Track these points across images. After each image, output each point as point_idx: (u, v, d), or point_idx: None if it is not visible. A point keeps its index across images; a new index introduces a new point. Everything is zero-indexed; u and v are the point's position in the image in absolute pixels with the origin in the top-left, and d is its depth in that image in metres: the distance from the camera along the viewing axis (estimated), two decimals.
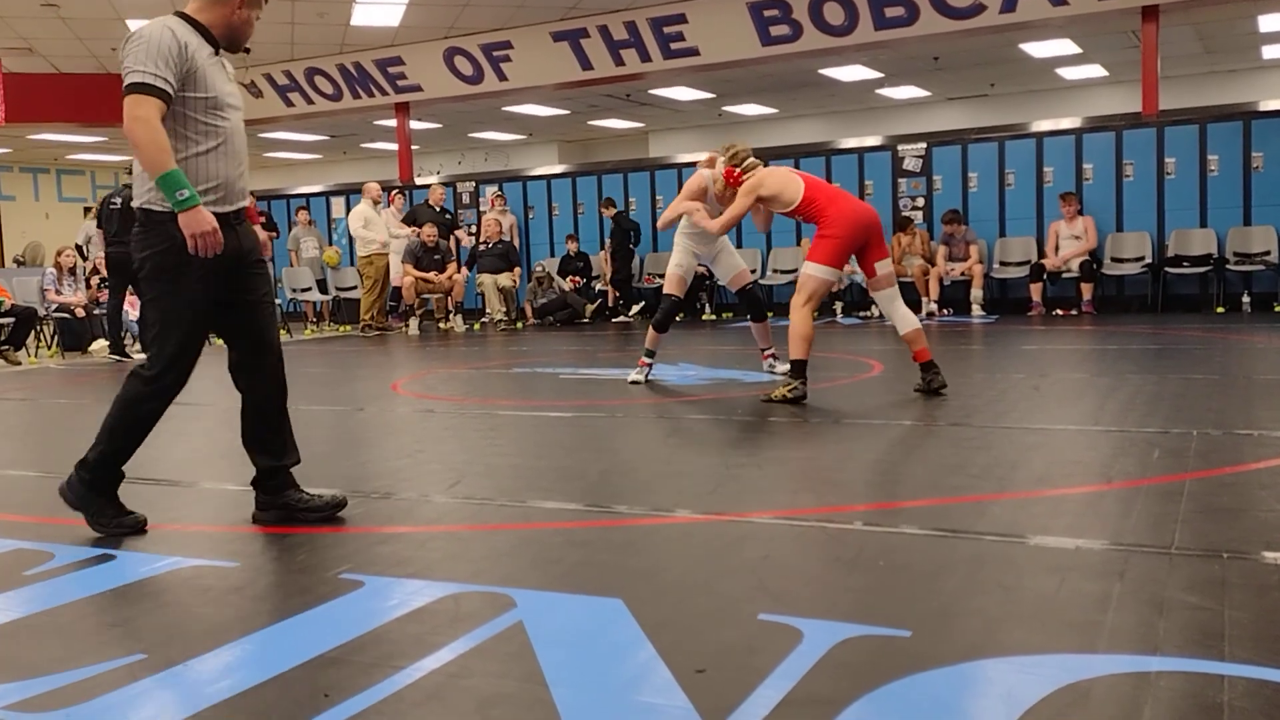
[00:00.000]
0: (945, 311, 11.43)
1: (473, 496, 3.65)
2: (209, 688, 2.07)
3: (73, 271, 11.05)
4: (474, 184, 14.72)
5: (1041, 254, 11.18)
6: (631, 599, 2.50)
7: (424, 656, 2.18)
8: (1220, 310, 10.40)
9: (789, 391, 5.39)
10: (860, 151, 12.78)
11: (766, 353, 6.79)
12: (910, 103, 18.05)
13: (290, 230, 14.79)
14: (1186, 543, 2.76)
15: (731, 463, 4.00)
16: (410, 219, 12.51)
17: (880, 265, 5.76)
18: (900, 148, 12.47)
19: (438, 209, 12.52)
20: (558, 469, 4.11)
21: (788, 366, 5.60)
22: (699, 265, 6.78)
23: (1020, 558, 2.72)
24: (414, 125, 16.37)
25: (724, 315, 12.76)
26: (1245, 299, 10.36)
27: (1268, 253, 10.43)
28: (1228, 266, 10.50)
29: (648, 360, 6.40)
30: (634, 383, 6.27)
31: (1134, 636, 2.16)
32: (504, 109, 17.46)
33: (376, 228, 12.12)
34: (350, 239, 13.05)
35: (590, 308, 12.60)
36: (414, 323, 12.11)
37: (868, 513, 3.24)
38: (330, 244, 14.19)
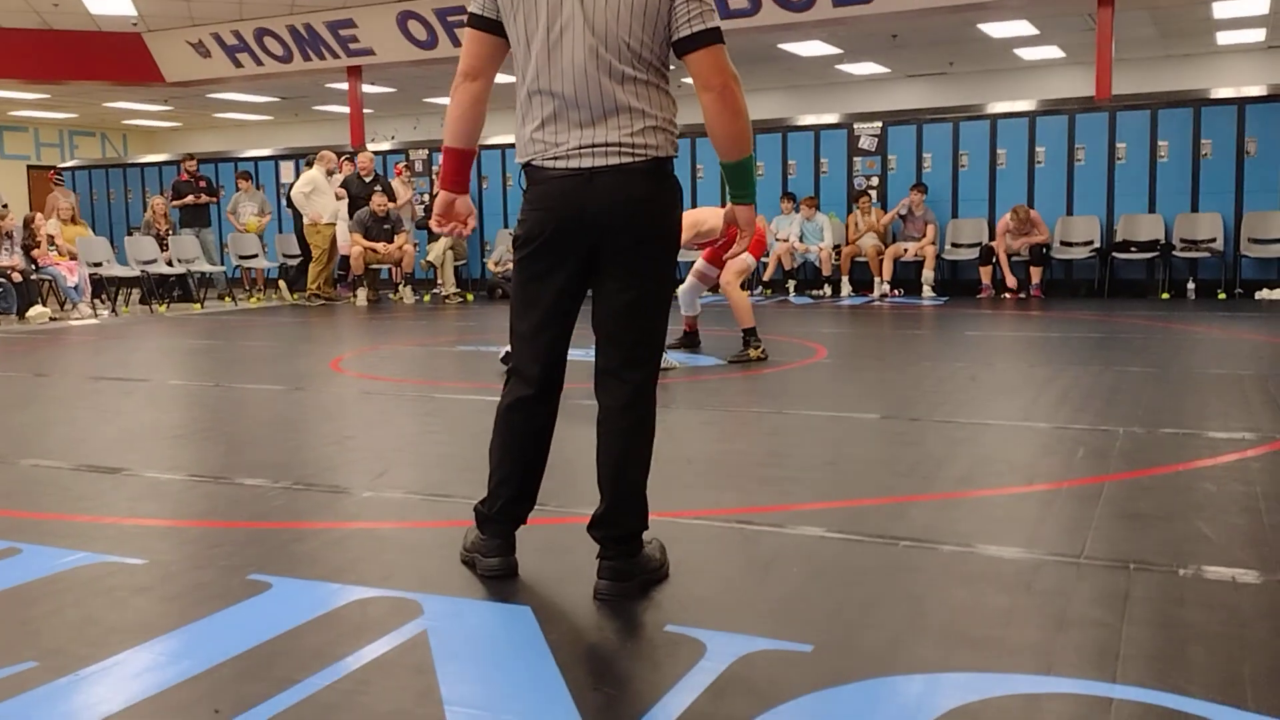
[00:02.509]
0: (897, 292, 11.48)
1: (397, 489, 3.61)
2: (96, 705, 2.03)
3: (9, 235, 10.78)
4: (427, 151, 14.53)
5: (993, 236, 11.23)
6: (540, 607, 2.48)
7: (323, 669, 2.15)
8: (1166, 296, 10.53)
9: (759, 353, 6.56)
10: (817, 129, 12.74)
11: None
12: (870, 79, 18.02)
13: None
14: (1097, 552, 2.79)
15: (661, 457, 3.97)
16: (353, 190, 12.30)
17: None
18: (856, 126, 12.45)
19: (368, 179, 12.33)
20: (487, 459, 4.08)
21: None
22: None
23: (933, 567, 2.73)
24: (366, 89, 16.10)
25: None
26: (1190, 285, 10.50)
27: (1213, 239, 10.57)
28: (1174, 253, 10.63)
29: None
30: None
31: (1031, 655, 2.17)
32: None
33: (324, 198, 11.90)
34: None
35: None
36: (362, 294, 11.97)
37: (788, 514, 3.24)
38: (266, 211, 13.83)
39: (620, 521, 2.57)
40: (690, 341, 7.13)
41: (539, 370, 2.61)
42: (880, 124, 12.35)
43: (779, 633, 2.30)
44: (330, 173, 12.05)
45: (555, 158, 2.51)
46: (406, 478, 3.81)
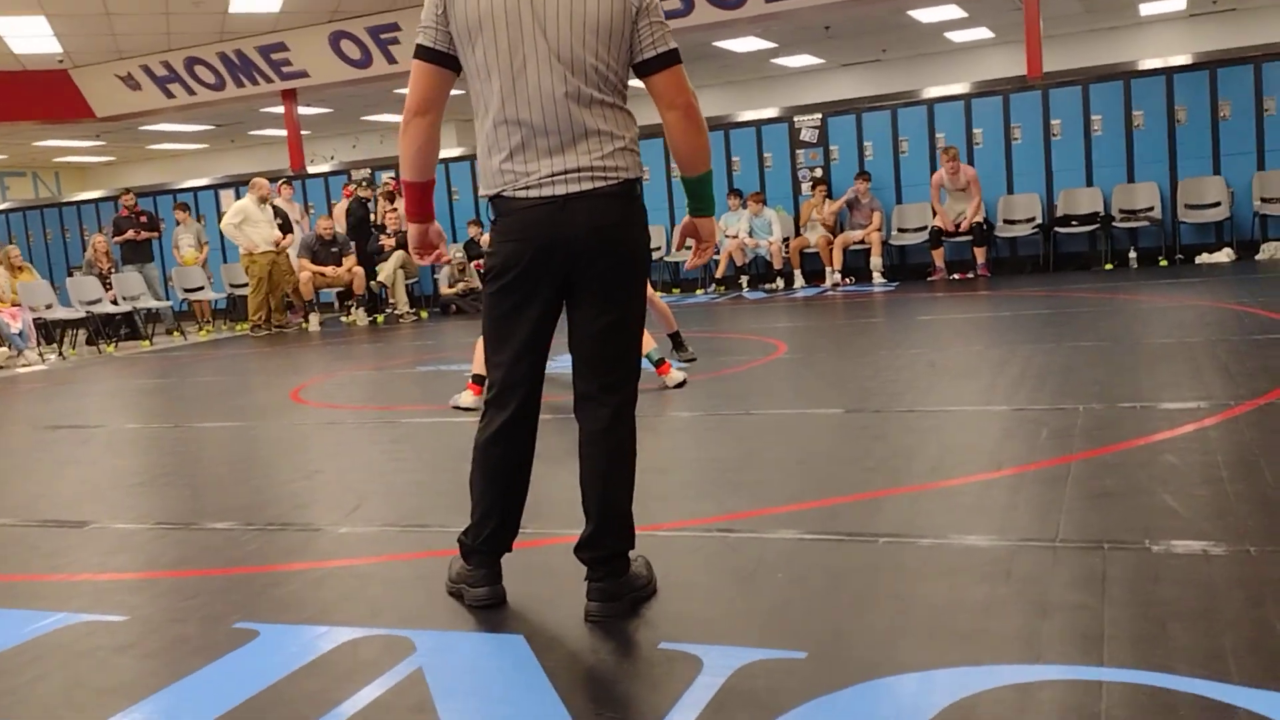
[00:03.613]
0: (848, 281, 11.59)
1: (372, 523, 3.59)
2: None
3: None
4: (369, 170, 14.42)
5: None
6: (533, 634, 2.49)
7: (321, 717, 2.14)
8: (1109, 267, 10.73)
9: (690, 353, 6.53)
10: (758, 124, 12.83)
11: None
12: (806, 70, 18.19)
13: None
14: (1070, 534, 2.85)
15: (637, 468, 4.00)
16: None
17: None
18: (796, 119, 12.56)
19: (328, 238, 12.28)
20: (460, 485, 4.05)
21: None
22: None
23: (913, 562, 2.78)
24: (303, 111, 15.95)
25: None
26: (1132, 254, 10.71)
27: (1151, 208, 10.79)
28: (1114, 224, 10.84)
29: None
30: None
31: (1018, 644, 2.22)
32: (396, 91, 17.09)
33: (257, 226, 11.70)
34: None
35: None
36: (314, 319, 11.85)
37: (766, 519, 3.27)
38: (204, 242, 13.66)
39: (607, 543, 2.59)
40: (679, 343, 6.79)
41: (517, 400, 2.61)
42: (820, 116, 12.46)
43: (772, 641, 2.33)
44: (264, 200, 11.88)
45: (526, 187, 2.50)
46: (381, 510, 3.79)
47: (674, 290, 12.43)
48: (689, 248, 2.84)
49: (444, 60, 2.54)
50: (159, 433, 6.05)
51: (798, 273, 11.83)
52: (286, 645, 2.54)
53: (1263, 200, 10.41)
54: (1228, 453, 3.55)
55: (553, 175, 2.49)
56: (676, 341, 6.57)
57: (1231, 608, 2.31)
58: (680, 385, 5.73)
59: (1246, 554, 2.59)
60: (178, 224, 13.47)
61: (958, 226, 10.99)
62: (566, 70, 2.45)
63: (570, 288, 2.57)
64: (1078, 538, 2.81)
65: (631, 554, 2.66)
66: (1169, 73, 10.96)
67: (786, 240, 12.01)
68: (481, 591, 2.67)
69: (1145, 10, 15.88)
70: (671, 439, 4.64)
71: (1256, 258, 10.16)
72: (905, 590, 2.60)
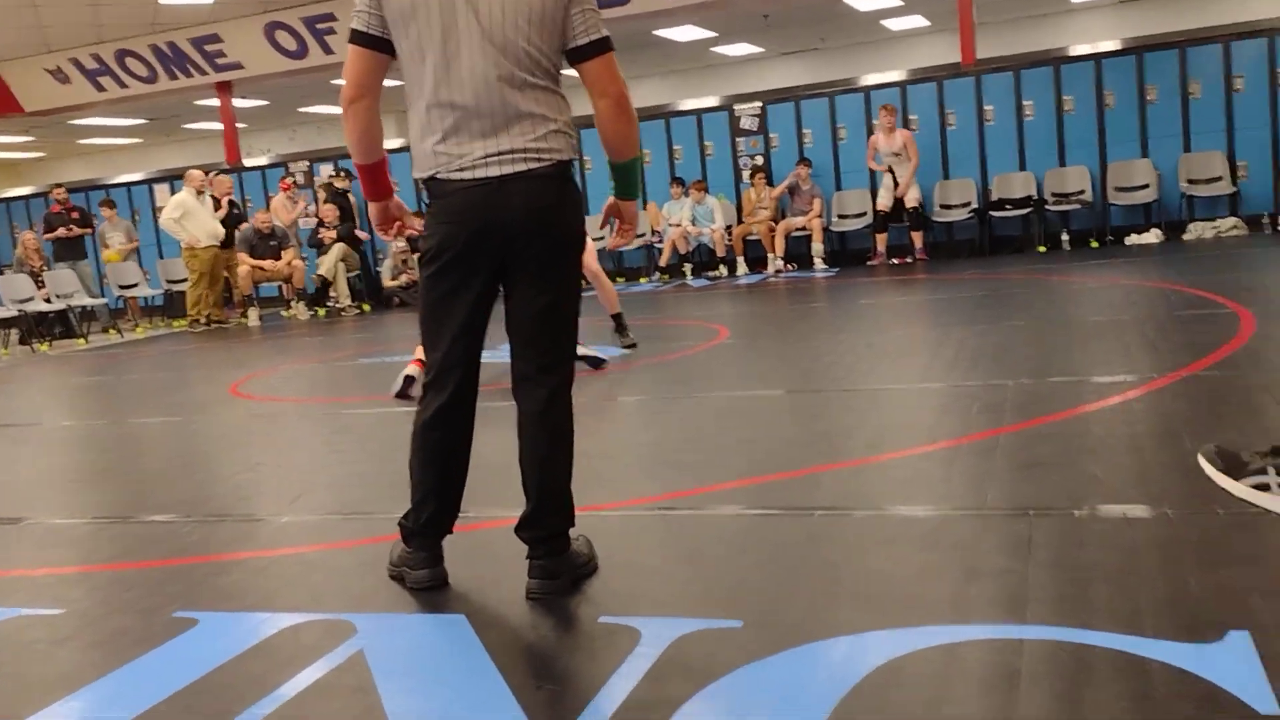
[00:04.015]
0: (790, 267, 11.71)
1: (314, 512, 3.58)
2: None
3: None
4: (307, 163, 14.25)
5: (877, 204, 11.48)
6: (474, 614, 2.51)
7: (260, 699, 2.15)
8: (1042, 249, 10.96)
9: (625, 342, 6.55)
10: (698, 113, 12.89)
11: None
12: (747, 59, 18.29)
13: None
14: (999, 502, 2.94)
15: (579, 452, 4.03)
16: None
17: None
18: (736, 107, 12.64)
19: (224, 201, 12.13)
20: (402, 473, 4.06)
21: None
22: None
23: (848, 533, 2.84)
24: (238, 104, 15.71)
25: None
26: (1064, 237, 10.94)
27: (1082, 191, 11.03)
28: (1047, 207, 11.07)
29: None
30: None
31: (946, 607, 2.29)
32: (334, 82, 16.90)
33: (197, 220, 11.53)
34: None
35: None
36: (253, 313, 11.70)
37: (706, 496, 3.33)
38: (133, 238, 13.41)
39: (546, 522, 2.62)
40: (621, 326, 7.00)
41: (454, 382, 2.62)
42: (760, 104, 12.55)
43: (709, 612, 2.38)
44: (200, 192, 11.70)
45: (461, 169, 2.51)
46: (323, 499, 3.78)
47: (619, 279, 12.46)
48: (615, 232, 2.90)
49: (378, 44, 2.54)
50: (96, 429, 5.96)
51: (740, 260, 11.92)
52: (226, 632, 2.54)
53: (1189, 182, 10.70)
54: (1151, 423, 3.67)
55: (487, 157, 2.50)
56: (619, 324, 6.61)
57: (1150, 568, 2.40)
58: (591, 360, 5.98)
59: (1165, 517, 2.68)
60: (104, 220, 13.19)
61: (898, 201, 11.04)
62: (499, 54, 2.47)
63: (506, 270, 2.59)
64: (1006, 505, 2.90)
65: (572, 533, 2.70)
66: (1098, 58, 11.20)
67: (729, 228, 12.10)
68: (422, 574, 2.69)
69: None
70: (615, 423, 4.68)
71: (1183, 238, 10.44)
72: (840, 560, 2.66)
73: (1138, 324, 5.73)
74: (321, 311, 12.15)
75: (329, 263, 11.97)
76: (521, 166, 2.51)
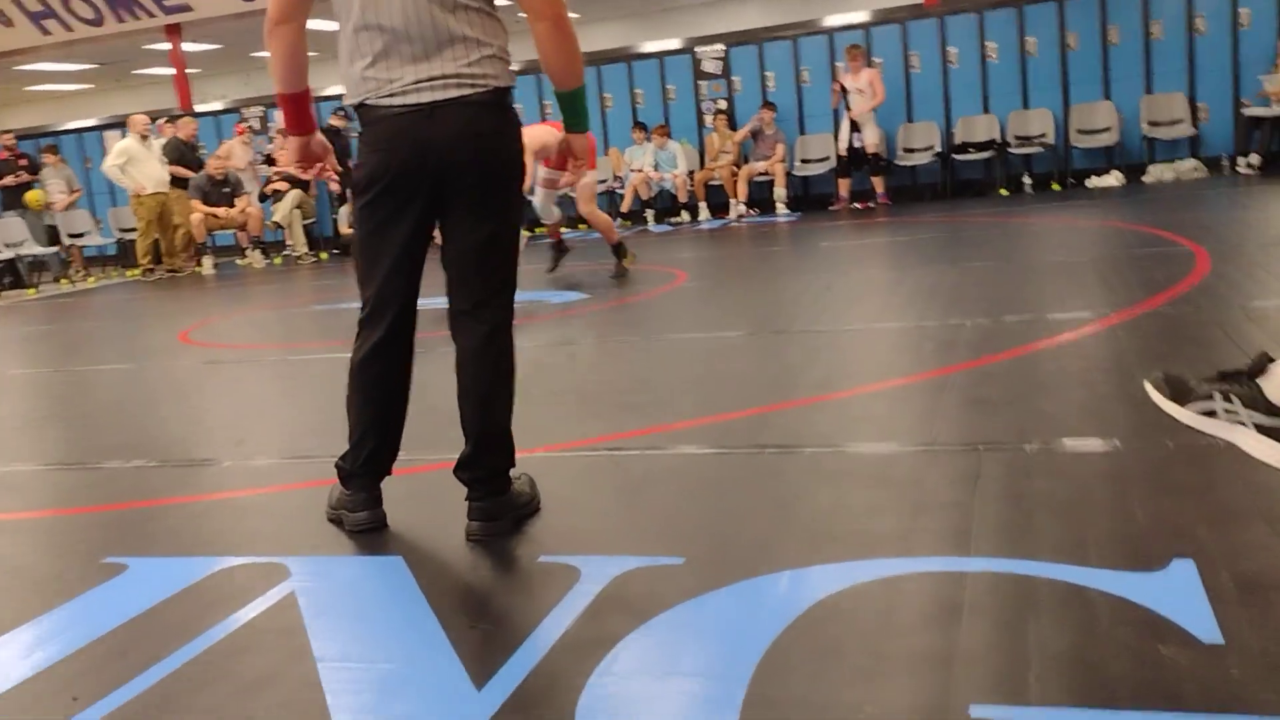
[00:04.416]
0: (752, 211, 11.61)
1: (256, 457, 3.50)
2: None
3: None
4: (262, 109, 13.92)
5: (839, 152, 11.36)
6: (411, 556, 2.45)
7: (188, 643, 2.08)
8: (1004, 192, 10.92)
9: (631, 260, 7.06)
10: (660, 56, 12.68)
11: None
12: (707, 2, 18.00)
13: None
14: (948, 438, 2.90)
15: (530, 393, 3.95)
16: (173, 157, 11.72)
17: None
18: (698, 50, 12.44)
19: (192, 145, 11.81)
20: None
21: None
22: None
23: (796, 469, 2.80)
24: (189, 48, 15.28)
25: (537, 230, 12.58)
26: (1026, 180, 10.91)
27: (1044, 135, 10.98)
28: (1009, 150, 11.02)
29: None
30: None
31: (891, 541, 2.25)
32: None
33: (143, 166, 11.22)
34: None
35: None
36: (207, 262, 11.47)
37: (657, 436, 3.27)
38: (75, 187, 13.01)
39: (485, 461, 2.55)
40: (559, 251, 7.31)
41: (390, 317, 2.54)
42: (723, 46, 12.36)
43: (652, 550, 2.33)
44: (145, 137, 11.37)
45: (391, 95, 2.40)
46: (265, 443, 3.70)
47: (580, 225, 12.33)
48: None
49: None
50: (40, 377, 5.82)
51: (703, 205, 11.81)
52: (158, 577, 2.46)
53: (1150, 124, 10.68)
54: (1103, 358, 3.65)
55: (418, 83, 2.39)
56: (618, 252, 6.97)
57: (1097, 500, 2.38)
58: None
59: (1115, 449, 2.66)
60: (46, 167, 12.79)
61: (856, 147, 10.90)
62: None
63: (443, 201, 2.49)
64: (955, 441, 2.87)
65: (514, 473, 2.63)
66: (1061, 0, 11.11)
67: (691, 173, 11.97)
68: (361, 515, 2.62)
69: None
70: (568, 364, 4.61)
71: (1143, 179, 10.45)
72: (788, 496, 2.62)
73: (1094, 263, 5.71)
74: (278, 259, 11.93)
75: (284, 209, 11.74)
76: (454, 93, 2.40)
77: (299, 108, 2.58)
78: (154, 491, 3.22)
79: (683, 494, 2.73)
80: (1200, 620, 1.76)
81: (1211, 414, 1.85)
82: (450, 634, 2.02)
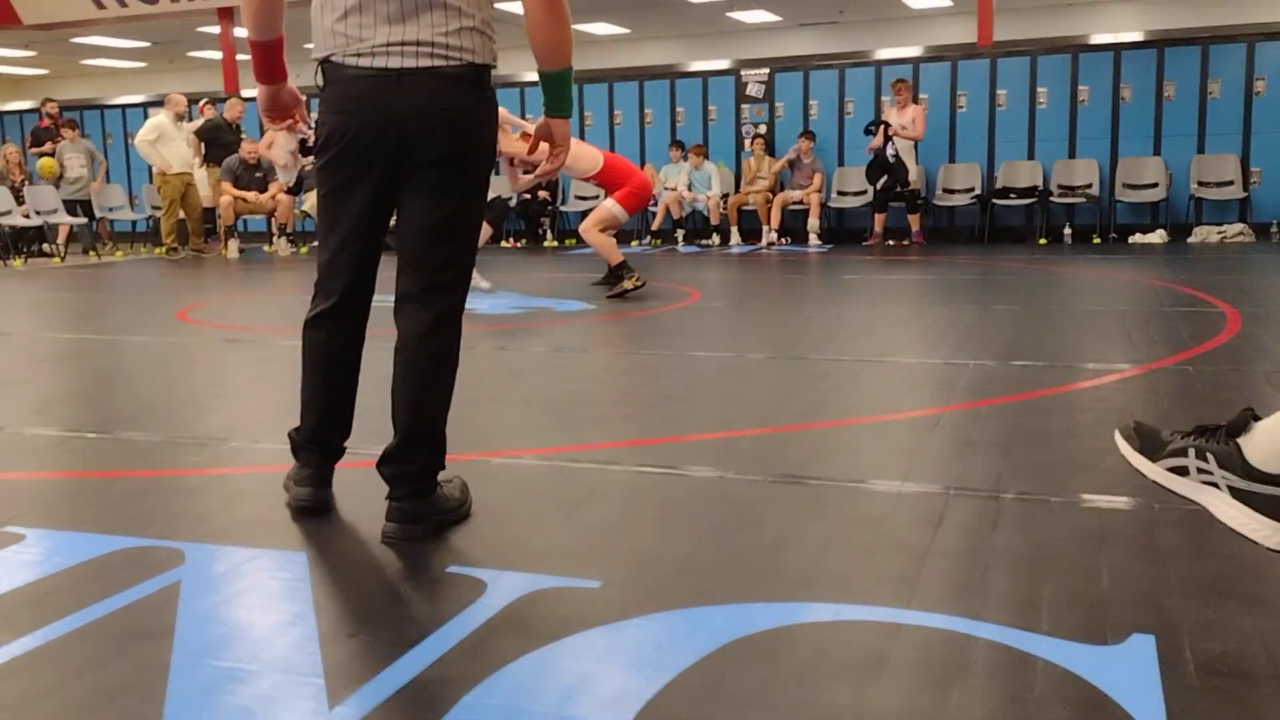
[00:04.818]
0: (784, 240, 11.42)
1: (197, 436, 3.34)
2: None
3: None
4: (304, 97, 13.92)
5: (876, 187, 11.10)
6: (320, 552, 2.27)
7: (44, 625, 1.92)
8: (1043, 241, 10.65)
9: (636, 281, 6.58)
10: (705, 75, 12.56)
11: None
12: (761, 27, 17.86)
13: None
14: (920, 477, 2.68)
15: (500, 398, 3.79)
16: (206, 135, 11.73)
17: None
18: (744, 73, 12.30)
19: (235, 125, 11.79)
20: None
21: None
22: (542, 191, 8.93)
23: (750, 498, 2.59)
24: (240, 33, 15.36)
25: (567, 242, 12.48)
26: (1067, 231, 10.64)
27: (1089, 185, 10.71)
28: (1051, 199, 10.74)
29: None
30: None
31: (828, 582, 2.04)
32: None
33: (172, 146, 11.22)
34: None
35: None
36: (233, 245, 11.45)
37: (616, 451, 3.08)
38: (98, 159, 13.01)
39: (413, 457, 2.37)
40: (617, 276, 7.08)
41: (341, 286, 2.42)
42: (768, 71, 12.22)
43: (572, 570, 2.13)
44: (180, 118, 11.39)
45: (359, 54, 2.26)
46: (211, 424, 3.54)
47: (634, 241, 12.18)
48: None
49: None
50: (15, 340, 5.73)
51: (734, 229, 11.63)
52: (47, 551, 2.30)
53: (1199, 184, 10.38)
54: (1106, 411, 3.41)
55: (388, 45, 2.24)
56: (618, 272, 6.63)
57: (1064, 559, 2.15)
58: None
59: (1093, 508, 2.43)
60: (64, 140, 12.78)
61: (895, 178, 10.64)
62: None
63: (404, 175, 2.33)
64: (927, 482, 2.65)
65: (445, 475, 2.45)
66: (1117, 49, 10.85)
67: (725, 196, 11.79)
68: (302, 492, 2.48)
69: None
70: (548, 372, 4.43)
71: (1188, 240, 10.13)
72: (734, 525, 2.41)
73: (1119, 316, 5.46)
74: (303, 249, 11.89)
75: (313, 199, 11.69)
76: (426, 62, 2.26)
77: (270, 55, 2.43)
78: (83, 464, 3.08)
79: (620, 513, 2.53)
80: (1147, 703, 1.54)
81: (1183, 471, 1.63)
82: (324, 641, 1.83)
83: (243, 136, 11.53)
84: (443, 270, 2.37)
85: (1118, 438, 1.72)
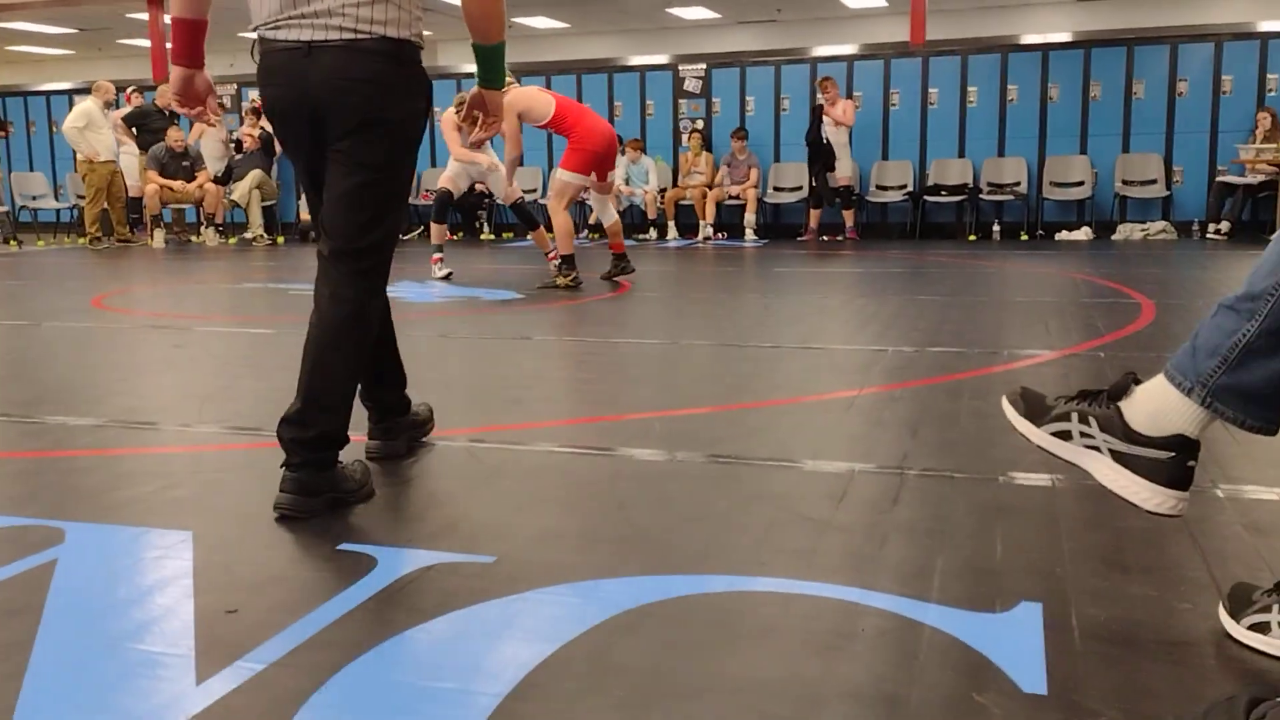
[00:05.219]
0: (720, 235, 11.44)
1: (95, 418, 3.23)
2: None
3: None
4: (235, 86, 13.67)
5: (812, 183, 11.15)
6: (206, 531, 2.20)
7: None
8: (972, 238, 10.79)
9: (570, 280, 6.42)
10: (643, 70, 12.53)
11: (550, 254, 6.86)
12: (700, 24, 17.92)
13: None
14: (828, 455, 2.68)
15: (422, 382, 3.71)
16: (136, 120, 11.47)
17: (609, 175, 6.80)
18: (681, 68, 12.30)
19: (166, 113, 11.53)
20: (203, 387, 3.75)
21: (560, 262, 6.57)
22: (478, 183, 8.45)
23: (656, 475, 2.57)
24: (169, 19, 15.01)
25: (504, 235, 12.38)
26: (996, 228, 10.79)
27: (1018, 183, 10.87)
28: (981, 196, 10.89)
29: (440, 255, 7.25)
30: (445, 277, 7.10)
31: (725, 555, 2.02)
32: None
33: (100, 133, 10.93)
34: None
35: None
36: (159, 235, 11.18)
37: (529, 432, 3.04)
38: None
39: (312, 421, 2.29)
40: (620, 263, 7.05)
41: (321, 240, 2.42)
42: (704, 66, 12.23)
43: (466, 546, 2.09)
44: (108, 105, 11.10)
45: (276, 26, 2.27)
46: (111, 408, 3.43)
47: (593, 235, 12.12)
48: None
49: None
50: None
51: (671, 224, 11.63)
52: None
53: (1124, 182, 10.59)
54: (1000, 398, 3.43)
55: (300, 17, 2.24)
56: (563, 265, 6.50)
57: (960, 531, 2.15)
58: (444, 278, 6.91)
59: (994, 482, 2.44)
60: None
61: (826, 179, 10.70)
62: None
63: (323, 145, 2.34)
64: (833, 459, 2.64)
65: (350, 460, 2.39)
66: (1046, 49, 11.03)
67: (663, 191, 11.79)
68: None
69: None
70: (467, 359, 4.37)
71: (1113, 238, 10.33)
72: (637, 502, 2.39)
73: (1039, 306, 5.53)
74: (232, 240, 11.65)
75: (242, 189, 11.47)
76: (335, 35, 2.24)
77: (192, 37, 2.40)
78: None
79: (524, 491, 2.49)
80: (1029, 669, 1.54)
81: (1066, 436, 1.63)
82: (201, 618, 1.77)
83: (175, 124, 11.26)
84: (352, 236, 2.35)
85: (1004, 403, 1.72)
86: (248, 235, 11.54)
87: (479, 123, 2.63)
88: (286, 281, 7.43)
